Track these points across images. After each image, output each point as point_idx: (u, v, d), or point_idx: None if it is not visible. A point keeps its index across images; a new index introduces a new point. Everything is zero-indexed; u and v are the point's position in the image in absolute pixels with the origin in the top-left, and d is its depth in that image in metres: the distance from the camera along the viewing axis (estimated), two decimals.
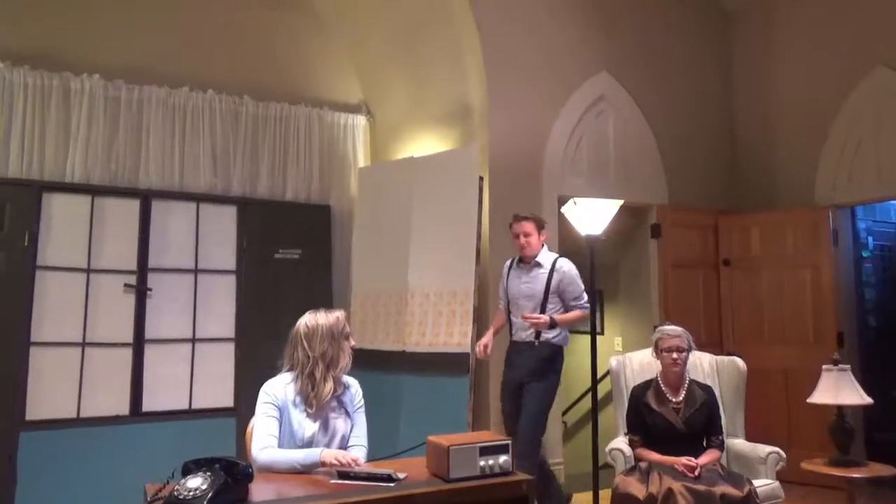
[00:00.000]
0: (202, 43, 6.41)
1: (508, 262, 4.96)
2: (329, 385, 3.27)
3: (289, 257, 6.26)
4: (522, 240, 4.80)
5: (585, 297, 4.79)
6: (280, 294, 6.17)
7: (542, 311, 4.73)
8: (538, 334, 4.73)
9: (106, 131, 5.96)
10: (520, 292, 4.85)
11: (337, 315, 3.35)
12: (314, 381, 3.26)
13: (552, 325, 4.65)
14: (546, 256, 4.83)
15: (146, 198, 5.92)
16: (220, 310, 6.05)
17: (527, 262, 4.85)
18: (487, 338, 4.87)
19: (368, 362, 5.54)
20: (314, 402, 3.28)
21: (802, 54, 6.71)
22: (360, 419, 3.43)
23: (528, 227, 4.80)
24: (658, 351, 4.36)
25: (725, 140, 7.18)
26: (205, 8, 6.52)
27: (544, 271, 4.80)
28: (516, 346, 4.87)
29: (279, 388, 3.30)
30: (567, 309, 4.80)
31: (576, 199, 5.06)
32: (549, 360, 4.77)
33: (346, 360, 3.33)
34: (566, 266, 4.79)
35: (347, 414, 3.38)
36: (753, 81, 7.07)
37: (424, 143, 6.42)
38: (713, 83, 7.13)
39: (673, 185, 6.86)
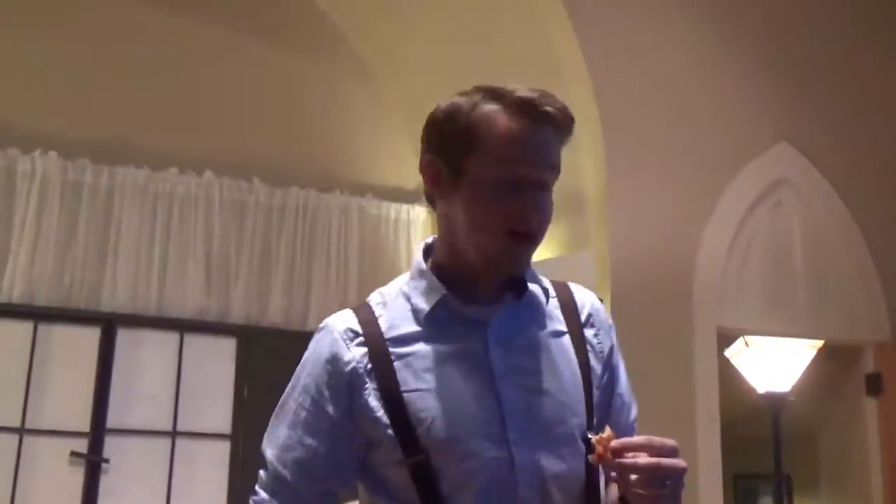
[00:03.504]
0: (197, 107, 5.80)
1: (380, 306, 1.76)
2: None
3: None
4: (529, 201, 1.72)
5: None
6: None
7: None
8: None
9: (60, 231, 5.24)
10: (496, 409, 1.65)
11: None
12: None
13: None
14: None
15: (110, 325, 5.24)
16: (205, 493, 5.25)
17: (492, 292, 1.75)
18: None
19: None
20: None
21: None
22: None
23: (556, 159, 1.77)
24: None
25: None
26: (202, 59, 5.84)
27: (556, 320, 1.79)
28: None
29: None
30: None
31: (747, 337, 4.78)
32: None
33: None
34: (590, 295, 1.90)
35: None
36: None
37: None
38: None
39: None
